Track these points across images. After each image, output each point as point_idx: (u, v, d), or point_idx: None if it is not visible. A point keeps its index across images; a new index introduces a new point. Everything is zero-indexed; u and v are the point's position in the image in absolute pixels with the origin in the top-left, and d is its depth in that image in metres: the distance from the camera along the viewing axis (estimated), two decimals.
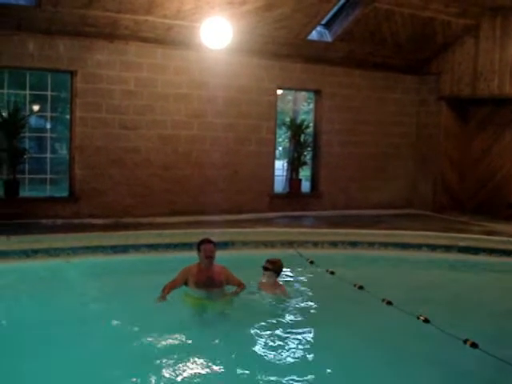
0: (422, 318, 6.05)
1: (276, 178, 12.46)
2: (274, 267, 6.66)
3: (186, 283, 6.53)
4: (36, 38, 9.54)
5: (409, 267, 9.04)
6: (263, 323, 6.00)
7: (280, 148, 20.88)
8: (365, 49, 12.02)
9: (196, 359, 5.00)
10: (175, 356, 5.02)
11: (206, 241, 6.61)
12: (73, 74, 9.97)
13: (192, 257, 6.68)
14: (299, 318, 6.35)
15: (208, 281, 6.48)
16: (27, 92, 10.39)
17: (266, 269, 6.65)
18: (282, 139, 19.75)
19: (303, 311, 6.58)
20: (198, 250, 6.57)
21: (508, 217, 11.75)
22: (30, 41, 9.51)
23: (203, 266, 6.53)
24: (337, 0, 10.43)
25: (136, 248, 8.59)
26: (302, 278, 8.09)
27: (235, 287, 6.71)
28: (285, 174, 18.16)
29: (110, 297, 6.72)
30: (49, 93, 10.44)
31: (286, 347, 5.47)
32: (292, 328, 6.00)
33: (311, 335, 5.96)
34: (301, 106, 21.80)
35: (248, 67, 11.31)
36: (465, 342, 5.39)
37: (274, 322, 6.10)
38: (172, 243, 8.76)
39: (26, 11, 9.13)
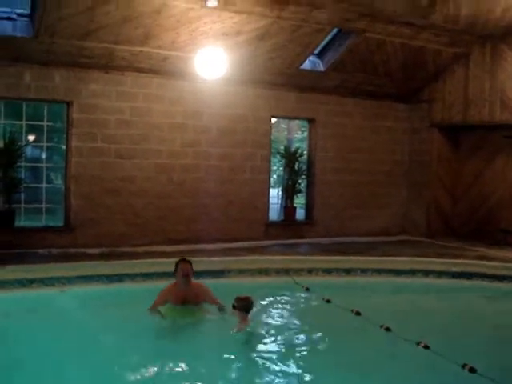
0: (421, 344, 6.05)
1: (271, 205, 12.53)
2: (242, 305, 6.31)
3: (167, 302, 6.74)
4: (33, 69, 9.65)
5: (403, 293, 9.05)
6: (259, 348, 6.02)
7: (274, 176, 20.96)
8: (357, 78, 12.20)
9: None
10: None
11: (183, 260, 6.82)
12: (69, 104, 10.08)
13: None
14: (296, 345, 6.35)
15: (185, 300, 6.68)
16: (23, 122, 10.45)
17: (233, 307, 6.31)
18: (277, 167, 19.84)
19: (300, 338, 6.59)
20: (175, 269, 6.75)
21: (500, 242, 11.82)
22: (27, 72, 9.62)
23: (181, 286, 6.69)
24: (329, 30, 10.61)
25: (131, 277, 8.55)
26: (298, 305, 8.10)
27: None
28: (279, 201, 18.24)
29: (104, 326, 6.68)
30: (45, 123, 10.51)
31: (281, 373, 5.46)
32: (288, 355, 6.00)
33: (309, 362, 5.94)
34: (295, 134, 21.97)
35: (243, 97, 11.44)
36: (463, 366, 5.40)
37: (267, 347, 6.12)
38: (167, 272, 8.71)
39: (23, 43, 9.24)
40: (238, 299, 6.30)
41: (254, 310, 6.53)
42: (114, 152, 10.35)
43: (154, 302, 6.75)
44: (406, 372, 5.59)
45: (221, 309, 6.77)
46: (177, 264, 6.81)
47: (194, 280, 6.90)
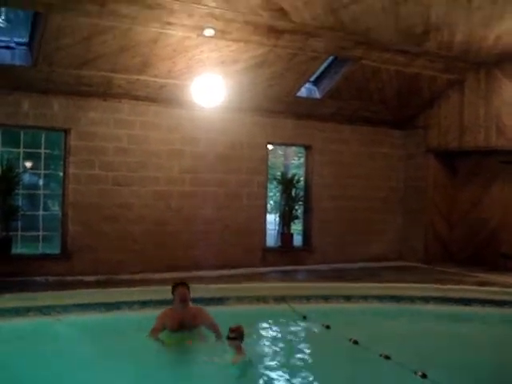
0: (419, 373, 6.01)
1: (268, 231, 12.52)
2: (235, 335, 6.24)
3: (165, 327, 6.73)
4: (31, 97, 9.72)
5: (402, 320, 9.01)
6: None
7: (271, 202, 20.99)
8: (353, 105, 12.29)
9: None
10: None
11: (180, 284, 6.79)
12: (67, 132, 10.12)
13: None
14: (293, 374, 6.30)
15: (182, 324, 6.66)
16: (21, 150, 10.49)
17: (228, 338, 6.22)
18: (274, 193, 19.88)
19: (298, 367, 6.53)
20: (173, 293, 6.73)
21: (500, 267, 11.80)
22: (26, 100, 9.68)
23: (178, 309, 6.70)
24: (325, 58, 10.72)
25: (129, 305, 8.51)
26: (296, 334, 8.05)
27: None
28: (276, 228, 18.22)
29: (102, 355, 6.64)
30: (42, 150, 10.56)
31: None
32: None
33: None
34: (291, 160, 22.05)
35: (240, 124, 11.51)
36: None
37: (264, 376, 6.07)
38: (165, 299, 8.67)
39: (21, 71, 9.32)
40: (231, 330, 6.25)
41: (254, 337, 6.50)
42: (111, 179, 10.37)
43: (153, 327, 6.73)
44: None
45: (218, 338, 6.71)
46: (174, 288, 6.79)
47: (192, 304, 6.87)
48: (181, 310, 6.70)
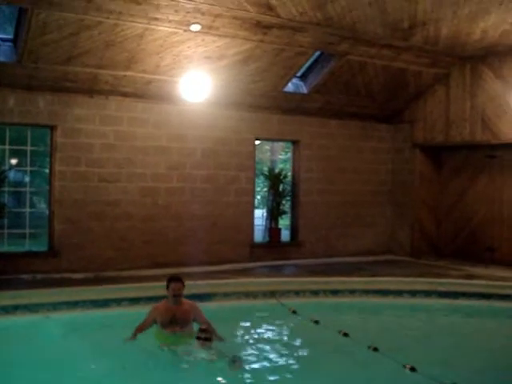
0: (408, 366, 6.04)
1: (255, 227, 12.53)
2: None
3: (155, 321, 6.74)
4: (16, 94, 9.63)
5: (390, 313, 9.09)
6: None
7: (258, 197, 21.04)
8: (340, 99, 12.32)
9: None
10: None
11: (175, 279, 6.82)
12: (53, 128, 10.05)
13: None
14: (283, 368, 6.32)
15: (174, 318, 6.66)
16: (6, 147, 10.40)
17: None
18: (260, 188, 19.91)
19: (288, 360, 6.56)
20: (167, 287, 6.76)
21: (486, 260, 11.90)
22: (11, 96, 9.60)
23: (171, 304, 6.71)
24: (311, 53, 10.73)
25: (117, 302, 8.50)
26: (285, 328, 8.08)
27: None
28: (264, 223, 18.26)
29: (90, 352, 6.63)
30: (28, 147, 10.47)
31: None
32: (276, 378, 5.97)
33: None
34: (278, 155, 22.09)
35: (226, 119, 11.50)
36: None
37: (254, 370, 6.08)
38: (154, 296, 8.65)
39: (6, 67, 9.23)
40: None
41: (243, 332, 6.53)
42: (98, 176, 10.32)
43: (143, 321, 6.77)
44: None
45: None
46: (168, 282, 6.81)
47: (184, 299, 6.88)
48: (174, 304, 6.72)
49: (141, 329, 6.73)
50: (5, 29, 14.76)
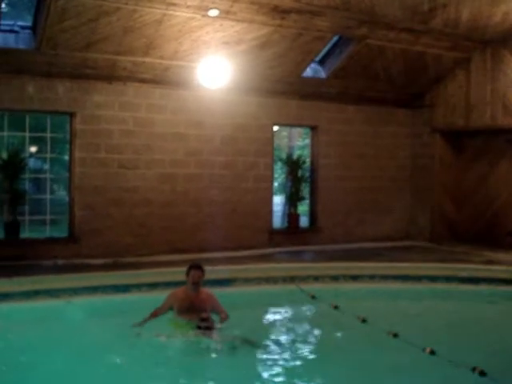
0: (427, 349, 6.03)
1: (273, 213, 12.53)
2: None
3: (172, 308, 6.81)
4: (36, 81, 9.68)
5: (410, 299, 9.06)
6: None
7: (276, 183, 21.04)
8: (358, 84, 12.22)
9: None
10: None
11: (195, 266, 6.85)
12: (72, 115, 10.09)
13: None
14: (303, 353, 6.33)
15: (191, 306, 6.68)
16: (27, 134, 10.47)
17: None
18: (278, 174, 19.89)
19: (307, 346, 6.57)
20: (187, 274, 6.78)
21: (507, 245, 11.79)
22: (30, 84, 9.64)
23: (189, 291, 6.73)
24: (330, 38, 10.64)
25: (137, 287, 8.58)
26: (305, 313, 8.09)
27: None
28: (282, 209, 18.25)
29: (111, 336, 6.68)
30: (48, 134, 10.54)
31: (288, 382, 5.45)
32: (295, 363, 5.99)
33: (316, 370, 5.93)
34: (296, 141, 22.02)
35: (244, 105, 11.46)
36: (473, 370, 5.41)
37: (273, 355, 6.10)
38: (172, 281, 8.72)
39: (25, 55, 9.28)
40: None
41: (263, 317, 6.54)
42: (117, 162, 10.36)
43: (160, 305, 6.86)
44: (413, 378, 5.58)
45: (223, 320, 6.75)
46: (188, 269, 6.85)
47: (203, 287, 6.90)
48: (192, 292, 6.74)
49: (156, 314, 6.80)
50: (23, 16, 14.87)
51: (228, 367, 5.82)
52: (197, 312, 6.63)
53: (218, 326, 6.57)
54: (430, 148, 13.05)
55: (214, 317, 6.76)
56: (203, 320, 6.37)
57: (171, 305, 6.83)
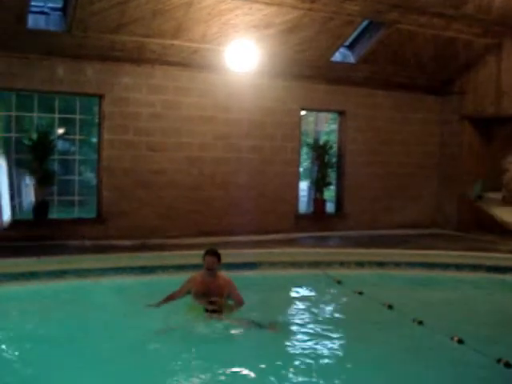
0: (455, 338, 6.00)
1: (299, 198, 12.52)
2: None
3: (190, 292, 6.81)
4: (65, 63, 9.76)
5: (436, 287, 8.98)
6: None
7: (301, 169, 20.98)
8: (388, 70, 12.10)
9: None
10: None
11: (210, 252, 6.78)
12: (101, 97, 10.16)
13: None
14: (326, 338, 6.34)
15: (207, 291, 6.65)
16: (56, 115, 10.57)
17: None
18: (304, 159, 19.80)
19: (331, 331, 6.57)
20: (203, 259, 6.77)
21: None
22: (60, 65, 9.73)
23: (205, 276, 6.75)
24: (360, 22, 10.54)
25: (164, 269, 8.64)
26: (329, 298, 8.09)
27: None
28: (307, 194, 18.19)
29: (138, 316, 6.75)
30: (77, 116, 10.63)
31: (313, 368, 5.44)
32: (319, 348, 5.99)
33: (341, 355, 5.94)
34: (322, 127, 21.88)
35: (272, 89, 11.43)
36: (498, 361, 5.36)
37: (298, 340, 6.12)
38: (199, 264, 8.74)
39: (56, 37, 9.36)
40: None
41: (288, 301, 6.53)
42: (145, 145, 10.43)
43: (179, 288, 6.87)
44: (439, 366, 5.56)
45: (238, 306, 6.75)
46: (204, 254, 6.82)
47: (221, 272, 6.90)
48: (208, 277, 6.75)
49: (173, 297, 6.81)
50: None
51: (241, 351, 5.83)
52: (212, 297, 6.64)
53: (232, 311, 6.59)
54: (458, 135, 12.90)
55: (231, 303, 6.78)
56: (211, 303, 6.39)
57: (190, 288, 6.81)
